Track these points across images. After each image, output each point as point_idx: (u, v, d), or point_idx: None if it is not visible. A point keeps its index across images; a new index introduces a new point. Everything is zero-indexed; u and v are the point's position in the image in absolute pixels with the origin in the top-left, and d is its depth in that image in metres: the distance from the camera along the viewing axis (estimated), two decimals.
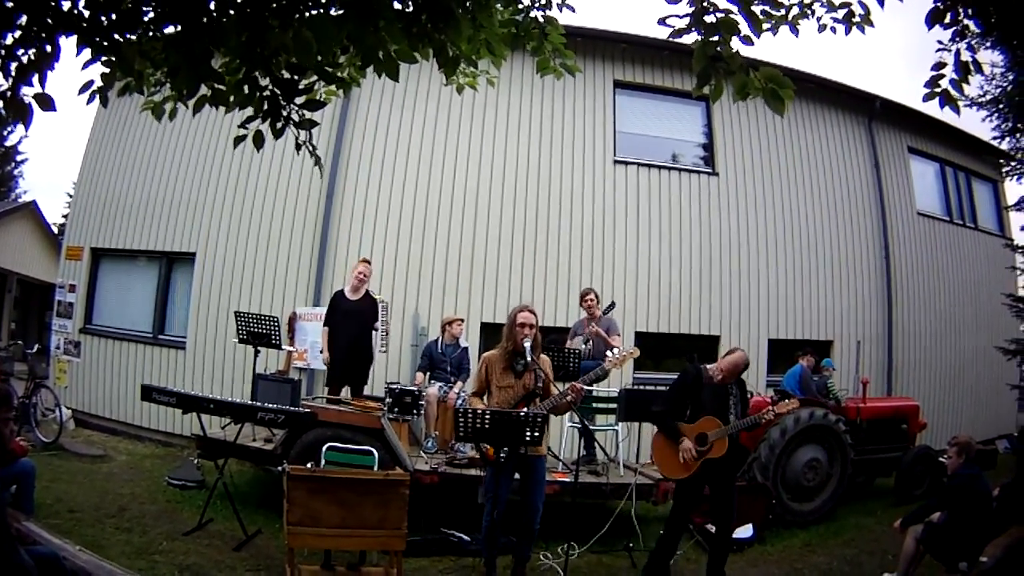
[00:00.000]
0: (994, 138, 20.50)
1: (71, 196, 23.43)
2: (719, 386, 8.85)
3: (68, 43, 4.62)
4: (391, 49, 4.77)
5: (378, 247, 15.78)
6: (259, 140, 5.25)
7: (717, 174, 18.04)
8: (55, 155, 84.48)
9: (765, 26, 4.79)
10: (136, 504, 10.90)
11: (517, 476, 8.51)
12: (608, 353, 9.52)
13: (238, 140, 5.45)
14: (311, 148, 5.71)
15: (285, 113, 5.03)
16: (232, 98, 5.01)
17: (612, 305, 13.02)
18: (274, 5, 4.76)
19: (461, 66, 6.20)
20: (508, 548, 8.89)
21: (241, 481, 12.21)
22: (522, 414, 7.92)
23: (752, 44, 4.71)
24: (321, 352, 12.44)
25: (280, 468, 9.05)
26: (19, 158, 42.91)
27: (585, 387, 9.01)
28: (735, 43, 4.71)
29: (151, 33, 4.91)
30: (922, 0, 5.76)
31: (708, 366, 9.09)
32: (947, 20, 5.39)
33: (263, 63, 4.74)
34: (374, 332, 12.45)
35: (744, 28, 4.68)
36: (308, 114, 5.18)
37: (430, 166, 16.34)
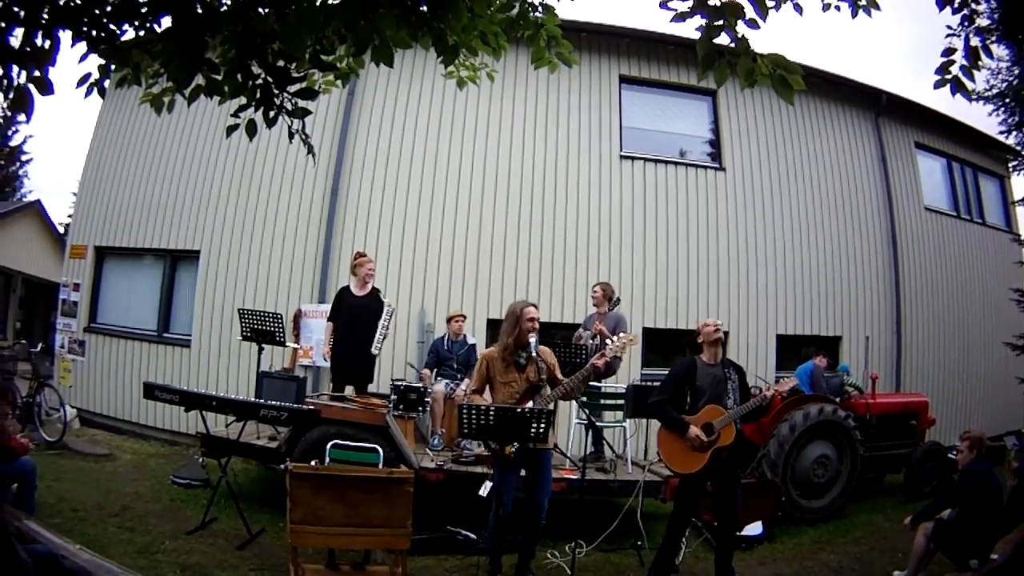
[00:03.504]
0: (1000, 133, 20.46)
1: (76, 195, 23.41)
2: (715, 372, 8.79)
3: (65, 37, 4.59)
4: (386, 36, 4.69)
5: (383, 244, 15.74)
6: (252, 129, 5.22)
7: (724, 169, 17.99)
8: (61, 156, 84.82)
9: (770, 4, 4.68)
10: (139, 503, 10.88)
11: (523, 472, 8.46)
12: (608, 342, 9.46)
13: (231, 129, 5.45)
14: (304, 136, 5.66)
15: (278, 102, 4.97)
16: (226, 88, 4.97)
17: (617, 301, 12.94)
18: None
19: (461, 57, 6.12)
20: (515, 546, 8.81)
21: (246, 480, 12.23)
22: (527, 409, 7.83)
23: (758, 27, 4.61)
24: (324, 345, 12.36)
25: (283, 466, 8.98)
26: (24, 158, 42.97)
27: (598, 365, 8.89)
28: (740, 27, 4.62)
29: (147, 24, 4.86)
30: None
31: (700, 356, 9.01)
32: (956, 3, 5.30)
33: (256, 51, 4.69)
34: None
35: (749, 11, 4.59)
36: (301, 103, 5.11)
37: (435, 162, 16.30)
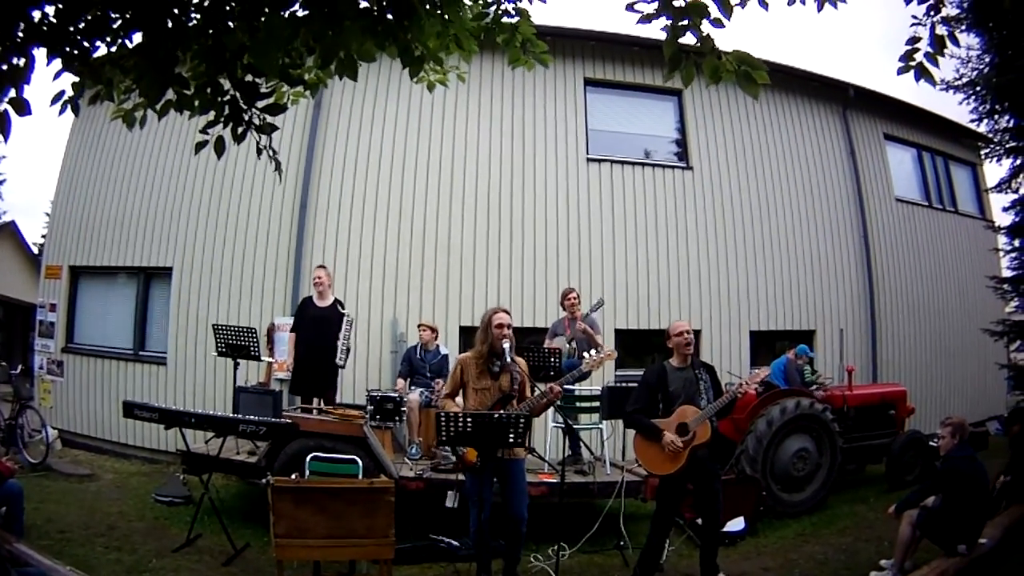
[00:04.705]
0: (971, 121, 20.67)
1: (49, 215, 23.35)
2: (687, 375, 8.81)
3: (39, 56, 4.61)
4: (352, 48, 4.73)
5: (353, 255, 15.82)
6: (220, 146, 5.24)
7: (691, 168, 18.07)
8: (33, 175, 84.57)
9: (734, 1, 4.71)
10: (124, 522, 10.91)
11: (496, 480, 8.48)
12: (585, 355, 9.53)
13: (199, 146, 5.43)
14: (271, 153, 5.67)
15: (246, 117, 4.98)
16: (196, 103, 4.98)
17: (601, 303, 12.98)
18: (236, 6, 4.72)
19: (429, 64, 6.14)
20: (499, 551, 8.79)
21: (228, 495, 12.24)
22: (504, 415, 7.87)
23: (723, 26, 4.65)
24: (287, 358, 12.49)
25: (264, 480, 8.99)
26: None
27: (563, 388, 8.94)
28: (705, 26, 4.66)
29: (119, 40, 4.87)
30: None
31: (669, 360, 9.04)
32: None
33: (226, 66, 4.70)
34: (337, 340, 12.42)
35: (714, 10, 4.63)
36: (269, 118, 5.12)
37: (403, 171, 16.35)
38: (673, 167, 18.05)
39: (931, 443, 13.32)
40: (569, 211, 16.92)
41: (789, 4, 5.60)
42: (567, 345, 12.34)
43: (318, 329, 12.05)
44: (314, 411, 11.51)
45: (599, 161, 17.42)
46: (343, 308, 12.25)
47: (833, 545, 10.93)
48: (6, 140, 4.61)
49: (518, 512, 8.35)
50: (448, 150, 16.63)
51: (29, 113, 4.49)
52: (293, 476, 8.96)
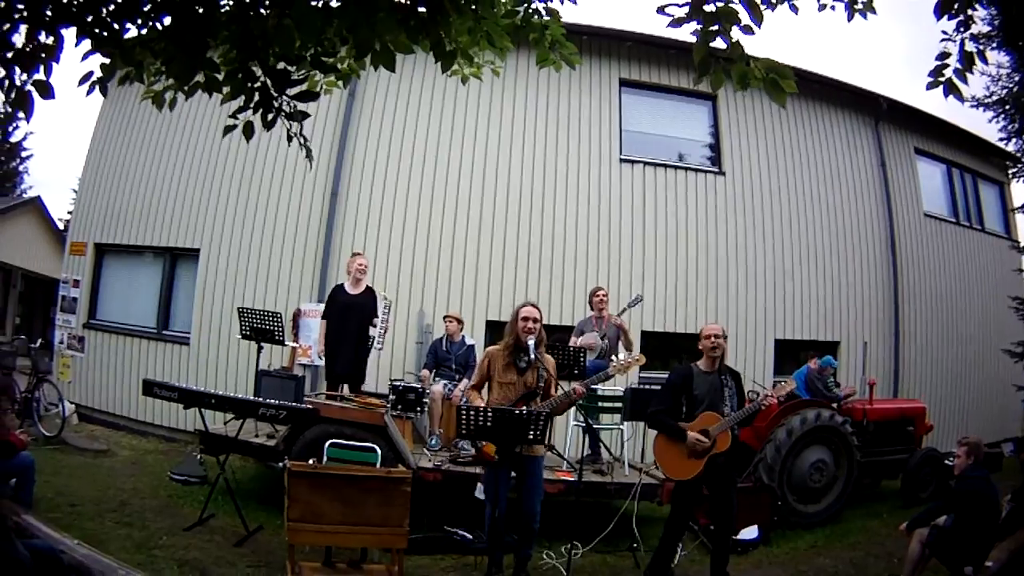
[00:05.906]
0: (1000, 139, 20.51)
1: (76, 192, 23.35)
2: (712, 380, 8.77)
3: (68, 35, 4.60)
4: (387, 40, 4.71)
5: (383, 244, 15.77)
6: (249, 131, 5.27)
7: (724, 174, 17.99)
8: (61, 151, 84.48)
9: (763, 6, 4.72)
10: (137, 499, 10.90)
11: (514, 474, 8.49)
12: (613, 357, 9.49)
13: (227, 129, 5.44)
14: (302, 140, 5.67)
15: (277, 104, 4.98)
16: (227, 88, 4.99)
17: (639, 299, 13.07)
18: None
19: (461, 59, 6.14)
20: (512, 547, 8.80)
21: (243, 477, 12.27)
22: (525, 412, 7.85)
23: (753, 33, 4.66)
24: (317, 343, 12.46)
25: (282, 464, 9.00)
26: (24, 154, 42.88)
27: (587, 389, 8.95)
28: (735, 32, 4.67)
29: (149, 23, 4.87)
30: (924, 1, 5.71)
31: (697, 363, 9.02)
32: (955, 10, 5.33)
33: (257, 53, 4.70)
34: (372, 327, 12.39)
35: (744, 17, 4.64)
36: (300, 106, 5.13)
37: (435, 164, 16.30)
38: (706, 171, 18.01)
39: (947, 461, 13.29)
40: (600, 210, 16.86)
41: (820, 9, 5.60)
42: (599, 341, 12.33)
43: (347, 316, 12.04)
44: (338, 398, 11.49)
45: (632, 162, 17.37)
46: (375, 293, 12.28)
47: (844, 559, 10.89)
48: (28, 119, 4.62)
49: (530, 508, 8.40)
50: (481, 145, 16.61)
51: (52, 96, 4.48)
52: (310, 461, 8.95)
